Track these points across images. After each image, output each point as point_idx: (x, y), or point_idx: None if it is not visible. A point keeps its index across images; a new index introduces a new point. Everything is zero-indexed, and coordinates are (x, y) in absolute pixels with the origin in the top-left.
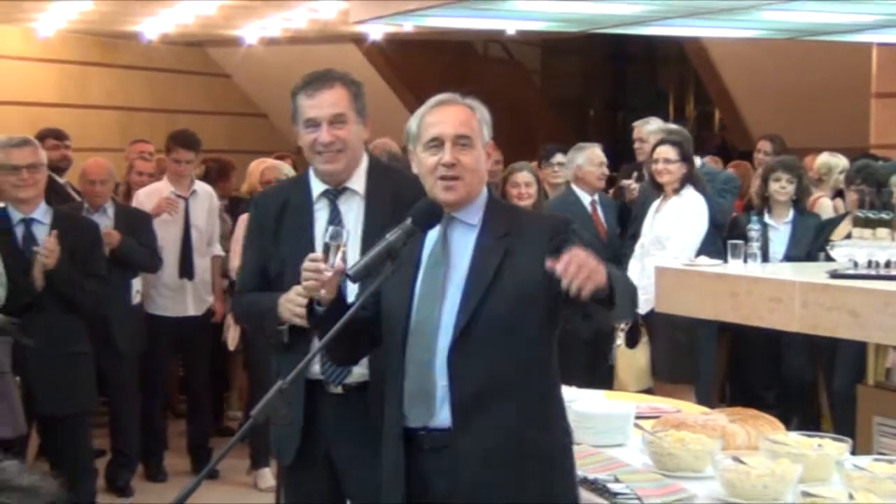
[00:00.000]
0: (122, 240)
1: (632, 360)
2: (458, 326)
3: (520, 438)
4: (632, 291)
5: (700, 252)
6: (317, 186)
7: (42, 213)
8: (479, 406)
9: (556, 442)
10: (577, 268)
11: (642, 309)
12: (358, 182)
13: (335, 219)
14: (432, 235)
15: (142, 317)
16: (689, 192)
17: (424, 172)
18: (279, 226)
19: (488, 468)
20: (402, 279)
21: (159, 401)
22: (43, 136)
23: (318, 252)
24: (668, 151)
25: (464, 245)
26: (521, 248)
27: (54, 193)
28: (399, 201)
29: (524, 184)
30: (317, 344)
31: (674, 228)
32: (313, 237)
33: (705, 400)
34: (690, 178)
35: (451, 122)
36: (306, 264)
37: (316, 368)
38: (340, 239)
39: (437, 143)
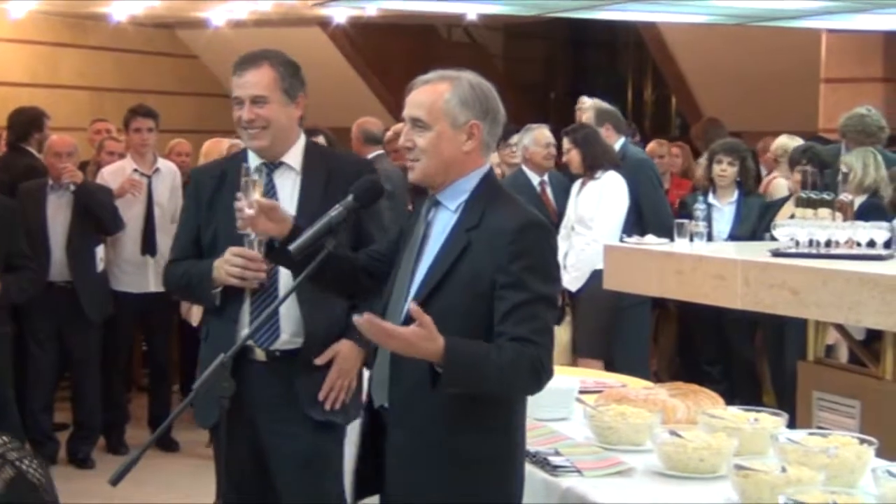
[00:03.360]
0: (85, 179)
1: (556, 336)
2: (406, 315)
3: (440, 437)
4: (503, 379)
5: (626, 232)
6: (254, 160)
7: None
8: (410, 398)
9: (495, 449)
10: (374, 335)
11: (571, 286)
12: (294, 158)
13: (269, 191)
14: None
15: (106, 284)
16: (609, 174)
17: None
18: (215, 196)
19: (415, 465)
20: (399, 255)
21: (121, 375)
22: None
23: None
24: (564, 142)
25: (440, 231)
26: (480, 248)
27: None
28: (334, 177)
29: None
30: (247, 310)
31: (596, 209)
32: None
33: (644, 375)
34: (604, 160)
35: (410, 103)
36: (231, 258)
37: (245, 332)
38: (255, 174)
39: (405, 122)
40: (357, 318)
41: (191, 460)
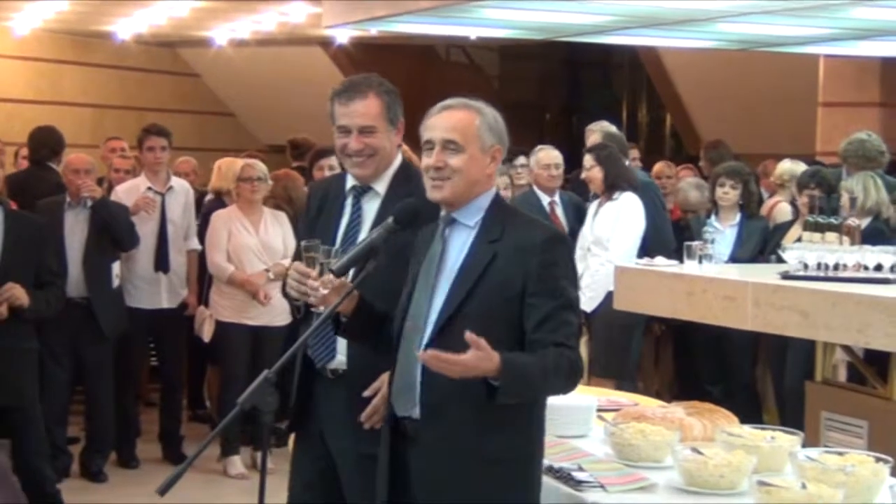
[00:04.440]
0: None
1: None
2: (438, 324)
3: (473, 443)
4: (548, 385)
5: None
6: (349, 182)
7: None
8: (442, 406)
9: (519, 450)
10: (437, 367)
11: (587, 307)
12: (382, 183)
13: (355, 215)
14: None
15: (122, 300)
16: (626, 195)
17: (423, 171)
18: (318, 213)
19: (447, 467)
20: (412, 274)
21: (133, 389)
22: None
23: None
24: (586, 159)
25: (459, 246)
26: (507, 257)
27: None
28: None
29: (503, 187)
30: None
31: (613, 230)
32: (339, 227)
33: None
34: (623, 180)
35: (442, 127)
36: (291, 273)
37: (309, 351)
38: (313, 251)
39: (430, 145)
40: (422, 354)
41: (202, 475)
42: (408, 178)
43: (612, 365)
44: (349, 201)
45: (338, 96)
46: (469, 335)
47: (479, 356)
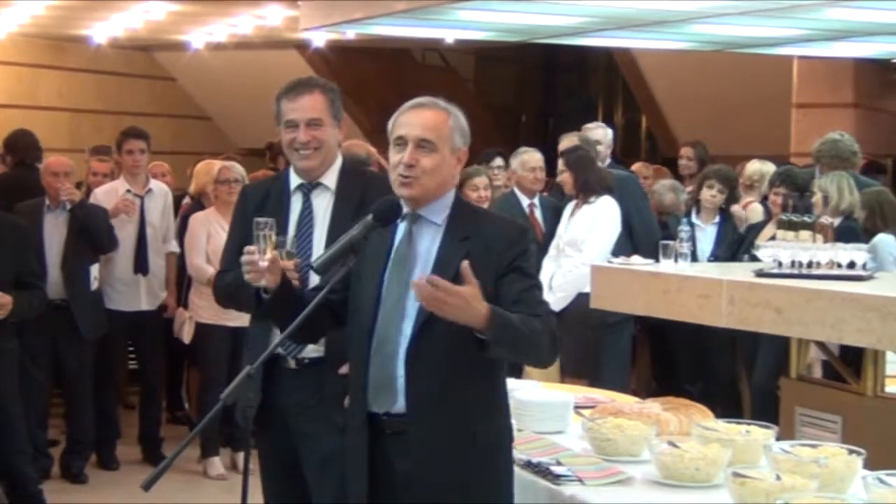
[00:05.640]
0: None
1: None
2: (419, 321)
3: (469, 432)
4: (535, 342)
5: (614, 253)
6: (294, 181)
7: None
8: (433, 399)
9: (500, 437)
10: (432, 297)
11: (557, 306)
12: (330, 178)
13: (306, 210)
14: (401, 230)
15: (101, 302)
16: (603, 199)
17: (390, 167)
18: (260, 214)
19: (439, 457)
20: (372, 270)
21: (113, 391)
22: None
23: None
24: (559, 163)
25: (428, 243)
26: (478, 254)
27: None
28: (367, 198)
29: (483, 187)
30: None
31: (589, 232)
32: (288, 222)
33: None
34: (595, 183)
35: (417, 125)
36: (244, 258)
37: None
38: (267, 228)
39: (402, 142)
40: (417, 281)
41: (182, 476)
42: (356, 173)
43: (584, 365)
44: (296, 198)
45: (285, 94)
46: (464, 266)
47: (474, 293)
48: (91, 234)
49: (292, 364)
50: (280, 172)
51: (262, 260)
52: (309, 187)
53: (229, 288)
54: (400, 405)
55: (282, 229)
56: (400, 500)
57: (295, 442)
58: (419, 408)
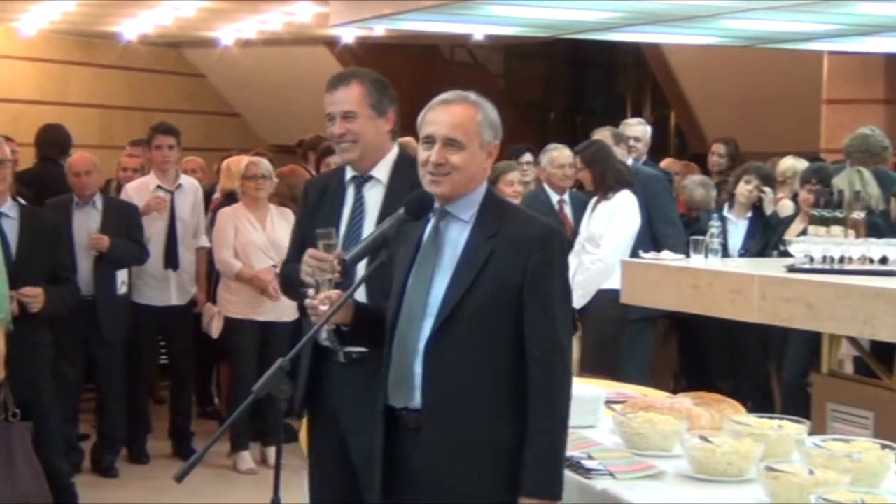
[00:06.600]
0: (111, 242)
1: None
2: (439, 318)
3: (484, 431)
4: (564, 435)
5: (635, 248)
6: (348, 174)
7: (9, 207)
8: (449, 398)
9: (516, 439)
10: None
11: (577, 304)
12: (382, 171)
13: (358, 203)
14: (430, 226)
15: (126, 306)
16: (622, 193)
17: (419, 164)
18: (318, 206)
19: (450, 455)
20: (402, 264)
21: (143, 386)
22: None
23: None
24: (577, 161)
25: (454, 240)
26: (505, 252)
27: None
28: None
29: (517, 181)
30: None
31: (607, 228)
32: (341, 216)
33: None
34: (613, 179)
35: (445, 123)
36: (307, 301)
37: (323, 335)
38: (329, 238)
39: (430, 140)
40: None
41: (212, 470)
42: (411, 165)
43: (602, 363)
44: (350, 191)
45: (327, 88)
46: None
47: None
48: (123, 264)
49: (341, 358)
50: (338, 167)
51: (321, 304)
52: (361, 180)
53: (287, 279)
54: (417, 401)
55: (336, 222)
56: (414, 495)
57: (345, 436)
58: (434, 405)
